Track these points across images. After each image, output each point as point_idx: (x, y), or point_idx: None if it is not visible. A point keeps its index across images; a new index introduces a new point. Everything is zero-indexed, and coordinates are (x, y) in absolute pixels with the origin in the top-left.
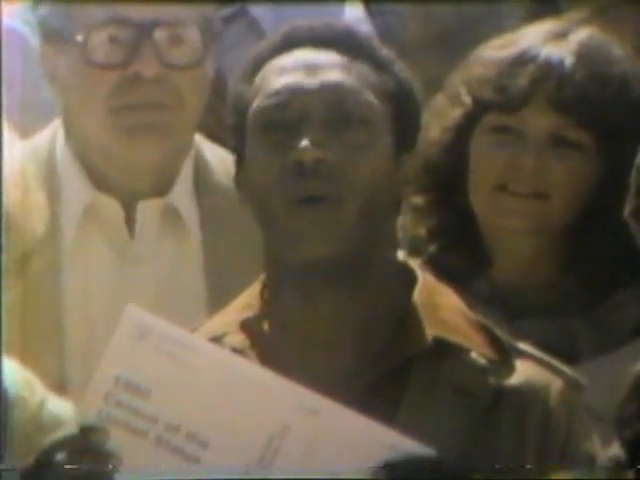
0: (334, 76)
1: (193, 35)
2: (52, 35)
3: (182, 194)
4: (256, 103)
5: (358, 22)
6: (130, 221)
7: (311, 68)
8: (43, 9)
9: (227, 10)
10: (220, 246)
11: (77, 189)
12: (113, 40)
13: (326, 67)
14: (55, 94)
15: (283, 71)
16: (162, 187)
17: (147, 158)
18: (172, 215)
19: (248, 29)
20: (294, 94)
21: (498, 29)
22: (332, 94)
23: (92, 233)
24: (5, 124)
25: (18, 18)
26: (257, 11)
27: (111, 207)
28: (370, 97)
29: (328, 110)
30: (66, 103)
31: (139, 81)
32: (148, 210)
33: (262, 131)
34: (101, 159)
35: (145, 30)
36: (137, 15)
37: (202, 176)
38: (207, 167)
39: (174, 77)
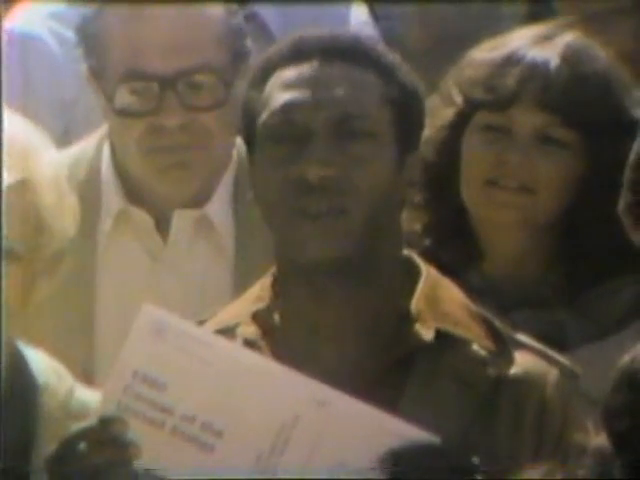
0: (339, 92)
1: (216, 76)
2: (92, 72)
3: (218, 206)
4: (264, 116)
5: (363, 25)
6: (163, 227)
7: (316, 84)
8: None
9: None
10: (252, 256)
11: (112, 198)
12: (137, 93)
13: (331, 83)
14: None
15: (290, 86)
16: (200, 199)
17: (181, 192)
18: (206, 225)
19: (257, 32)
20: (299, 110)
21: (497, 33)
22: (337, 110)
23: (126, 237)
24: (35, 127)
25: (40, 25)
26: (266, 15)
27: (141, 217)
28: (375, 109)
29: (333, 126)
30: (110, 126)
31: (165, 128)
32: (183, 219)
33: (269, 144)
34: (136, 180)
35: (168, 82)
36: (159, 68)
37: (242, 186)
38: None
39: (200, 119)
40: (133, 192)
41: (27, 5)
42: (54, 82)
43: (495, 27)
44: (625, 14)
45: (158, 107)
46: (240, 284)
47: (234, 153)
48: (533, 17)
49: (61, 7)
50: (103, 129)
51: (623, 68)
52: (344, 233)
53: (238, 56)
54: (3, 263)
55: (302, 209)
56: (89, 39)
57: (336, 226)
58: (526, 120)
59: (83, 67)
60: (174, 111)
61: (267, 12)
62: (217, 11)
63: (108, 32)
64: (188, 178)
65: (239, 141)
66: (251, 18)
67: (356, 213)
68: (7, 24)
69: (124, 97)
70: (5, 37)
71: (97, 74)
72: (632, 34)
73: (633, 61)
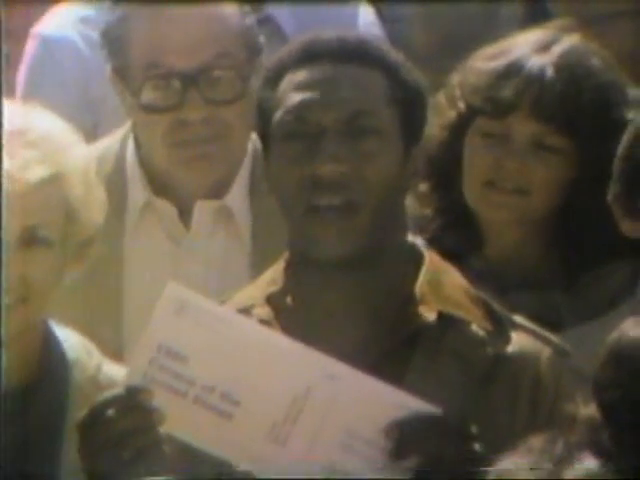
0: (348, 92)
1: (233, 71)
2: (116, 72)
3: (237, 196)
4: (278, 115)
5: (371, 26)
6: (186, 217)
7: (327, 85)
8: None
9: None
10: (267, 243)
11: (138, 189)
12: (160, 89)
13: (340, 83)
14: (125, 109)
15: (302, 87)
16: (219, 190)
17: (203, 182)
18: (226, 214)
19: (273, 35)
20: (311, 110)
21: (496, 36)
22: (346, 110)
23: (152, 225)
24: (66, 124)
25: (71, 29)
26: (280, 17)
27: (165, 207)
28: (382, 107)
29: (343, 124)
30: (134, 121)
31: (188, 122)
32: (204, 209)
33: (283, 142)
34: (160, 171)
35: (189, 78)
36: (181, 65)
37: (258, 178)
38: (263, 169)
39: (220, 112)
40: (157, 184)
41: (58, 11)
42: (84, 81)
43: (494, 32)
44: (624, 16)
45: (181, 102)
46: (256, 268)
47: (250, 147)
48: (529, 18)
49: (90, 12)
50: (126, 126)
51: (619, 70)
52: (355, 230)
53: (253, 52)
54: (37, 249)
55: (315, 204)
56: (113, 41)
57: (348, 223)
58: (522, 128)
59: (107, 67)
60: (196, 106)
61: (281, 15)
62: (232, 11)
63: (131, 34)
64: (210, 169)
65: (254, 136)
66: (266, 21)
67: (366, 207)
68: (40, 28)
69: (149, 94)
70: (39, 40)
71: (121, 73)
72: (631, 36)
73: (631, 61)
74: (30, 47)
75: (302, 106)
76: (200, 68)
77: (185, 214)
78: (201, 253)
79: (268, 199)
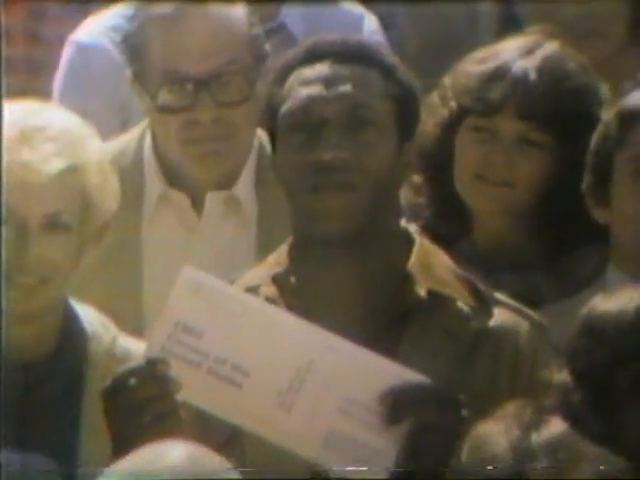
0: (348, 88)
1: (241, 76)
2: (135, 76)
3: (244, 187)
4: (284, 108)
5: (374, 33)
6: (198, 206)
7: (329, 81)
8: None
9: (268, 25)
10: (271, 229)
11: (154, 181)
12: (175, 92)
13: (342, 80)
14: (143, 109)
15: (306, 82)
16: (228, 182)
17: (213, 176)
18: (234, 203)
19: (286, 41)
20: (315, 103)
21: (474, 42)
22: (346, 103)
23: (167, 213)
24: (81, 121)
25: (102, 36)
26: (292, 26)
27: (179, 197)
28: (379, 102)
29: (343, 116)
30: (151, 120)
31: (199, 122)
32: (215, 199)
33: (289, 132)
34: (175, 165)
35: (201, 83)
36: (194, 70)
37: (263, 170)
38: (268, 162)
39: (229, 113)
40: (172, 176)
41: (91, 20)
42: (114, 84)
43: (474, 41)
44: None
45: (193, 104)
46: (261, 252)
47: (255, 143)
48: (502, 24)
49: (119, 21)
50: (143, 123)
51: (593, 73)
52: (354, 208)
53: (259, 58)
54: (57, 234)
55: (318, 186)
56: (133, 48)
57: (348, 201)
58: (509, 126)
59: (127, 72)
60: (207, 107)
61: (293, 23)
62: (241, 22)
63: (149, 42)
64: (218, 164)
65: (259, 132)
66: (279, 29)
67: (364, 190)
68: (75, 36)
69: (164, 96)
70: (74, 47)
71: (140, 77)
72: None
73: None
74: (66, 53)
75: (307, 99)
76: (211, 73)
77: (197, 203)
78: (212, 239)
79: (272, 189)
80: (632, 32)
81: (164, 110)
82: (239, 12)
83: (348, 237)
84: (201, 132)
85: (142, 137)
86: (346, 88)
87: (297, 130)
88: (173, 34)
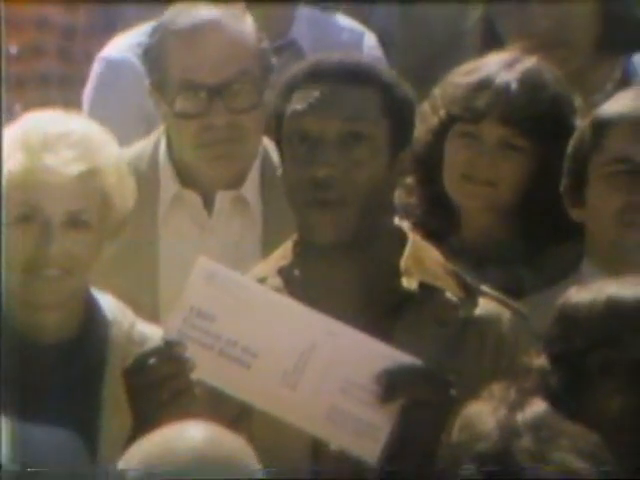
0: (344, 109)
1: (251, 85)
2: (154, 85)
3: (251, 188)
4: (288, 123)
5: (373, 49)
6: (208, 205)
7: (328, 101)
8: (146, 64)
9: (279, 41)
10: (276, 225)
11: (169, 182)
12: (190, 99)
13: (339, 100)
14: (160, 116)
15: (308, 100)
16: (236, 182)
17: (224, 176)
18: (242, 202)
19: (295, 56)
20: (313, 122)
21: (461, 60)
22: (342, 122)
23: (180, 211)
24: (100, 128)
25: (129, 52)
26: (302, 41)
27: (192, 197)
28: (374, 120)
29: (337, 135)
30: (167, 125)
31: (214, 127)
32: (224, 198)
33: (290, 147)
34: (189, 168)
35: (216, 91)
36: (208, 80)
37: (267, 172)
38: (271, 165)
39: (239, 119)
40: (185, 177)
41: (119, 38)
42: (140, 97)
43: (457, 56)
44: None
45: (207, 110)
46: (266, 248)
47: (260, 148)
48: (484, 40)
49: (143, 38)
50: (158, 131)
51: (567, 85)
52: (345, 220)
53: (267, 70)
54: (79, 230)
55: (314, 199)
56: (152, 60)
57: (339, 214)
58: (492, 132)
59: (146, 82)
60: (220, 113)
61: (302, 39)
62: (251, 36)
63: (167, 54)
64: (230, 165)
65: (266, 141)
66: (290, 45)
67: (354, 202)
68: (104, 53)
69: (181, 103)
70: (103, 63)
71: (158, 86)
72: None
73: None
74: (95, 68)
75: (306, 118)
76: (223, 82)
77: (208, 203)
78: (221, 235)
79: (276, 190)
80: (598, 45)
81: (181, 116)
82: (249, 28)
83: (342, 245)
84: (215, 136)
85: (157, 143)
86: (341, 109)
87: (296, 145)
88: (189, 47)
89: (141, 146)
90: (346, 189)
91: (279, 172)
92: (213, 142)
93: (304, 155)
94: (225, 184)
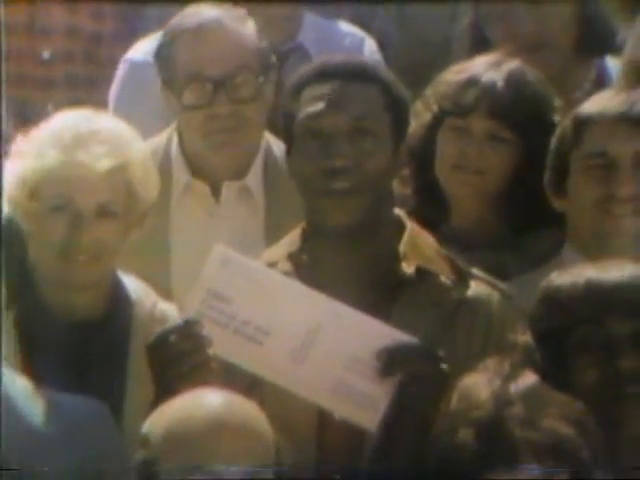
0: (352, 103)
1: (251, 78)
2: (166, 82)
3: (254, 179)
4: (300, 120)
5: (373, 53)
6: (216, 194)
7: (337, 97)
8: (158, 64)
9: (288, 44)
10: (277, 212)
11: (180, 173)
12: (197, 91)
13: (347, 96)
14: (171, 113)
15: (318, 98)
16: (241, 173)
17: (228, 164)
18: (246, 191)
19: (302, 59)
20: (325, 117)
21: (452, 62)
22: (351, 117)
23: (191, 199)
24: (127, 126)
25: (151, 55)
26: (309, 45)
27: (201, 187)
28: (378, 114)
29: (349, 128)
30: (178, 121)
31: (218, 116)
32: (230, 188)
33: (304, 141)
34: (198, 158)
35: (220, 82)
36: (212, 73)
37: (269, 164)
38: (273, 157)
39: (242, 109)
40: (195, 169)
41: (140, 42)
42: (159, 94)
43: (447, 60)
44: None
45: (212, 101)
46: (268, 233)
47: (263, 143)
48: (473, 44)
49: None
50: (169, 129)
51: (547, 84)
52: (359, 206)
53: (266, 66)
54: (107, 220)
55: (330, 188)
56: (163, 60)
57: (353, 201)
58: (480, 125)
59: (158, 80)
60: (224, 103)
61: (309, 43)
62: (251, 36)
63: (176, 52)
64: (234, 153)
65: (266, 135)
66: (298, 48)
67: (366, 191)
68: (129, 55)
69: (188, 95)
70: (128, 65)
71: (169, 83)
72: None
73: (556, 79)
74: (120, 70)
75: (319, 113)
76: (226, 75)
77: (216, 192)
78: (227, 220)
79: (277, 181)
80: (576, 47)
81: (189, 107)
82: (249, 28)
83: (353, 228)
84: (219, 124)
85: (170, 138)
86: (350, 104)
87: (311, 139)
88: (195, 44)
89: (156, 141)
90: (359, 178)
91: (286, 166)
92: (218, 130)
93: (319, 149)
94: (231, 175)
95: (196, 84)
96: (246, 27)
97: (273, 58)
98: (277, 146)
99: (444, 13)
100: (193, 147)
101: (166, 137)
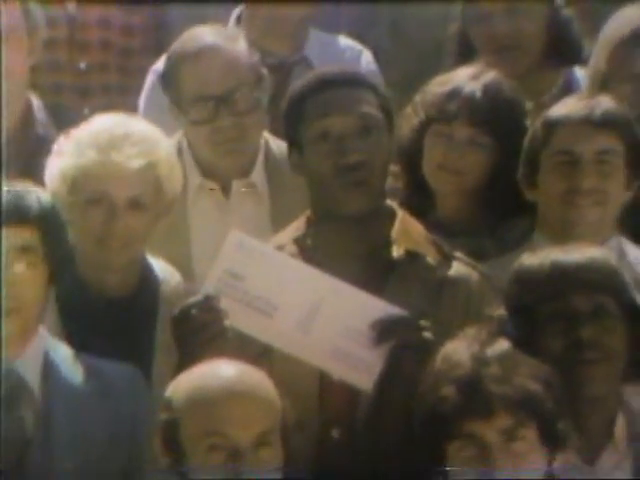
0: (356, 106)
1: (248, 92)
2: (173, 102)
3: (258, 174)
4: (310, 123)
5: (369, 64)
6: (226, 191)
7: (341, 101)
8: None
9: (294, 56)
10: (280, 201)
11: (193, 174)
12: (201, 108)
13: (349, 100)
14: (178, 125)
15: (325, 104)
16: (246, 171)
17: (233, 167)
18: (252, 186)
19: (307, 69)
20: (335, 119)
21: (440, 69)
22: (357, 117)
23: (204, 197)
24: (156, 128)
25: None
26: (312, 58)
27: (212, 185)
28: (376, 114)
29: (356, 128)
30: (185, 131)
31: (222, 129)
32: (238, 185)
33: (317, 142)
34: (208, 163)
35: (221, 99)
36: (214, 91)
37: (269, 159)
38: (272, 153)
39: (242, 120)
40: (205, 170)
41: (167, 54)
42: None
43: (436, 70)
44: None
45: (216, 116)
46: (274, 221)
47: (262, 142)
48: (461, 52)
49: None
50: (177, 136)
51: (520, 92)
52: (369, 195)
53: (259, 79)
54: (137, 212)
55: (346, 182)
56: (169, 83)
57: (365, 191)
58: (462, 131)
59: (165, 99)
60: (226, 117)
61: (314, 56)
62: (244, 53)
63: (178, 76)
64: (238, 158)
65: (267, 135)
66: (302, 60)
67: (375, 183)
68: (157, 66)
69: (195, 113)
70: (155, 74)
71: (176, 102)
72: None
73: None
74: (149, 79)
75: (327, 119)
76: (226, 92)
77: (226, 189)
78: (237, 213)
79: (278, 174)
80: (545, 54)
81: (195, 123)
82: (242, 47)
83: (362, 214)
84: (224, 136)
85: (180, 144)
86: (354, 106)
87: (322, 141)
88: (196, 67)
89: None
90: (370, 171)
91: (284, 161)
92: (223, 141)
93: (332, 149)
94: (238, 174)
95: (200, 103)
96: (239, 45)
97: (264, 70)
98: (274, 143)
99: (435, 21)
100: (202, 155)
101: (176, 142)
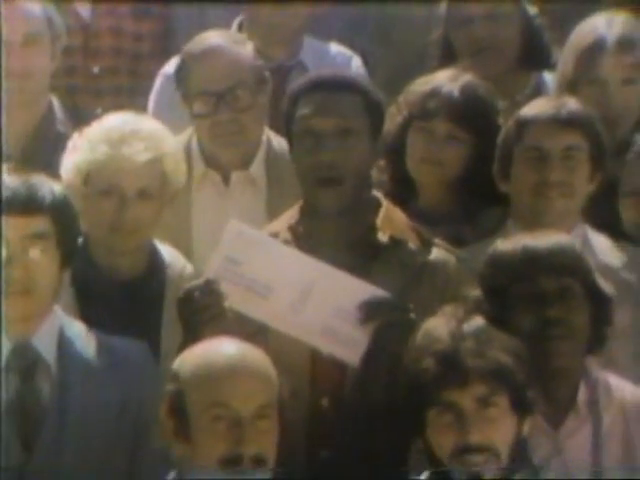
0: (340, 108)
1: (247, 91)
2: (183, 96)
3: (257, 168)
4: (297, 120)
5: (358, 68)
6: (226, 181)
7: (326, 104)
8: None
9: (290, 61)
10: (277, 195)
11: (198, 164)
12: (203, 103)
13: (334, 103)
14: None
15: (311, 104)
16: (246, 164)
17: (233, 158)
18: (251, 178)
19: (302, 73)
20: (317, 119)
21: (423, 71)
22: (336, 120)
23: (207, 185)
24: (162, 125)
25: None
26: (307, 62)
27: (214, 175)
28: (360, 117)
29: (335, 129)
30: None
31: (222, 123)
32: (238, 176)
33: (300, 139)
34: (210, 154)
35: (221, 96)
36: (215, 87)
37: (270, 155)
38: (273, 149)
39: (241, 116)
40: (209, 161)
41: (175, 58)
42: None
43: (421, 71)
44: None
45: (216, 111)
46: (270, 212)
47: (264, 138)
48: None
49: None
50: (190, 129)
51: (494, 92)
52: (343, 194)
53: (260, 80)
54: (146, 201)
55: (321, 178)
56: (180, 80)
57: (339, 189)
58: (441, 127)
59: (172, 99)
60: (226, 112)
61: (308, 61)
62: (248, 56)
63: (187, 73)
64: (236, 150)
65: (268, 132)
66: (298, 65)
67: (350, 179)
68: (164, 69)
69: (197, 107)
70: (163, 77)
71: (185, 97)
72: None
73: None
74: (157, 82)
75: (311, 119)
76: (226, 90)
77: (226, 179)
78: (236, 202)
79: (277, 169)
80: (518, 57)
81: (197, 116)
82: (246, 50)
83: (339, 211)
84: (223, 129)
85: (191, 137)
86: (336, 109)
87: (305, 137)
88: (201, 65)
89: (180, 138)
90: (344, 170)
91: (284, 156)
92: (222, 134)
93: (311, 146)
94: (237, 166)
95: (202, 97)
96: (244, 49)
97: (267, 73)
98: (277, 141)
99: (419, 26)
100: (205, 146)
101: (188, 136)
